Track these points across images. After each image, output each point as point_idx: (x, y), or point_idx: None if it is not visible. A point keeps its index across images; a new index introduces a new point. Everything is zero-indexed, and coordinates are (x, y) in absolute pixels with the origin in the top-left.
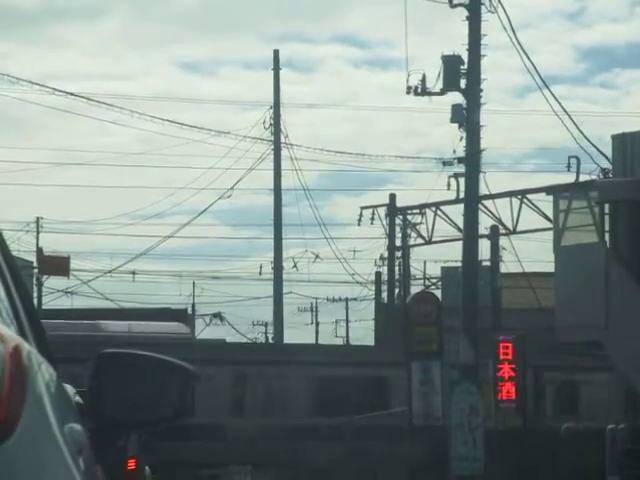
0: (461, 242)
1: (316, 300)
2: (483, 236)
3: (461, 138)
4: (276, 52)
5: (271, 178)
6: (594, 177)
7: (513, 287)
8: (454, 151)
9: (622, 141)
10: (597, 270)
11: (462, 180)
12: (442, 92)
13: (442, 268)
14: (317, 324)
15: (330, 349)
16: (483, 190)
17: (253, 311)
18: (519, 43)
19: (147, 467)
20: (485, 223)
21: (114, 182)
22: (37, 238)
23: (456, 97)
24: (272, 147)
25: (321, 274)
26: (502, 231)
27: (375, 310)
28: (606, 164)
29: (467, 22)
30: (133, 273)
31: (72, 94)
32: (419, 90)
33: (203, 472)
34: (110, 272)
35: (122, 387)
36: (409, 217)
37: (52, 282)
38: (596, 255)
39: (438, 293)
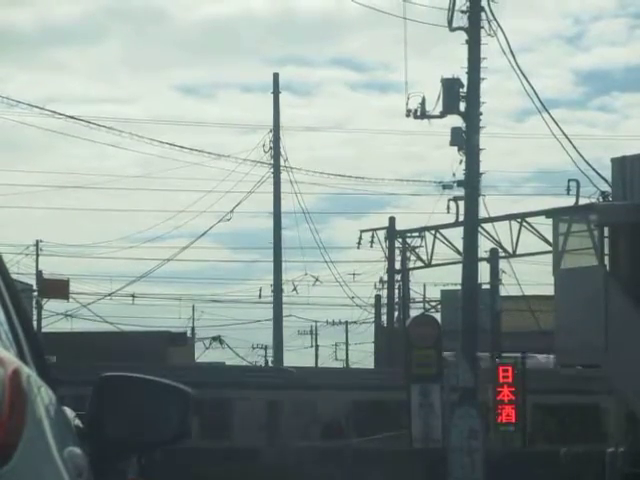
0: (461, 265)
1: (316, 323)
2: (483, 259)
3: (460, 161)
4: (276, 75)
5: (271, 201)
6: (594, 200)
7: (513, 310)
8: (453, 174)
9: (622, 164)
10: (597, 293)
11: (461, 203)
12: (441, 115)
13: (442, 291)
14: (317, 347)
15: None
16: (482, 213)
17: (253, 334)
18: (518, 66)
19: None
20: (485, 246)
21: (114, 205)
22: (37, 261)
23: (455, 120)
24: (272, 170)
25: (321, 297)
26: (502, 254)
27: (375, 333)
28: (606, 187)
29: (466, 45)
30: (133, 296)
31: (72, 117)
32: (418, 113)
33: None
34: (110, 295)
35: (122, 410)
36: (408, 240)
37: (52, 305)
38: (596, 278)
39: (438, 316)
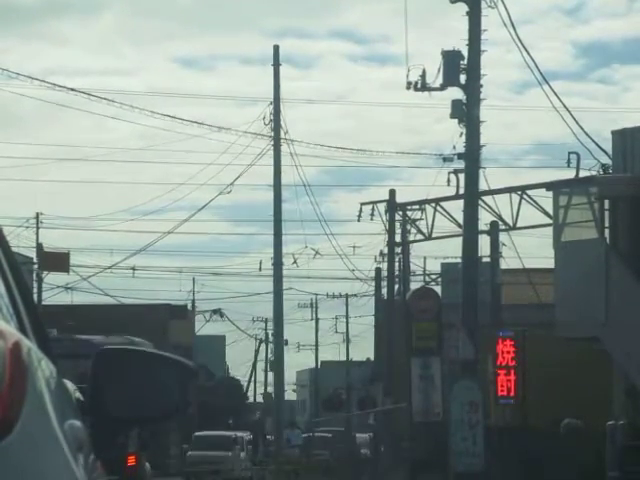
0: (461, 238)
1: (316, 296)
2: (483, 232)
3: (461, 134)
4: (276, 47)
5: (271, 174)
6: (594, 173)
7: (513, 283)
8: (454, 147)
9: (622, 137)
10: (597, 266)
11: (462, 176)
12: (442, 87)
13: (442, 264)
14: (317, 320)
15: None
16: (483, 186)
17: (253, 307)
18: (519, 39)
19: (147, 463)
20: (485, 219)
21: (114, 178)
22: (37, 234)
23: (456, 93)
24: (272, 143)
25: (321, 270)
26: (502, 227)
27: (375, 306)
28: (606, 160)
29: (467, 17)
30: (133, 269)
31: (72, 89)
32: (419, 85)
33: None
34: (110, 268)
35: (122, 383)
36: (409, 213)
37: (52, 278)
38: (596, 251)
39: (438, 289)
